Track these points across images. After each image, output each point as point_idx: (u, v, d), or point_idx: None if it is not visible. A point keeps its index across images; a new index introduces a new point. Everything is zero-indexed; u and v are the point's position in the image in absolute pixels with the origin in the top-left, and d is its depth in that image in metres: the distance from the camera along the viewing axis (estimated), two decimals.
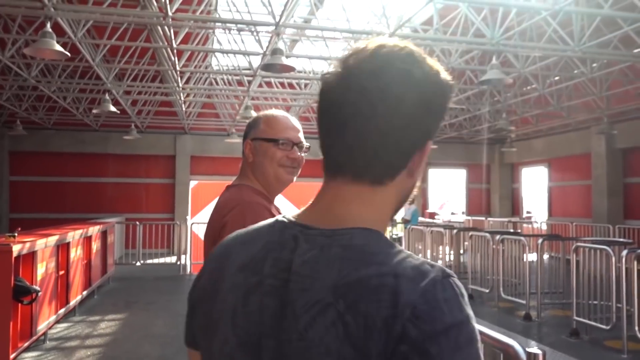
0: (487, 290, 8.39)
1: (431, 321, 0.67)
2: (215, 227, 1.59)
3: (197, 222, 12.46)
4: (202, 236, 13.31)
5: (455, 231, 10.06)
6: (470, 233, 9.13)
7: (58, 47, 6.44)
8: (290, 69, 7.08)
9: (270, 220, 0.86)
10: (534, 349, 1.99)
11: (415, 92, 0.76)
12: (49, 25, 6.37)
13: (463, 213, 18.59)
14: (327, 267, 0.73)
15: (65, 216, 13.64)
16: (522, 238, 8.01)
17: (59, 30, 6.67)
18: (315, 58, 11.07)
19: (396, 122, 0.76)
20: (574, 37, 7.93)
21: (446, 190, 25.31)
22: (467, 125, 15.53)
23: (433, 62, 0.80)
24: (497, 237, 8.28)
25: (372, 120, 0.75)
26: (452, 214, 19.11)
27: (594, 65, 9.89)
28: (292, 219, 0.82)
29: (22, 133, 14.03)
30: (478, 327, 0.72)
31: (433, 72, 0.79)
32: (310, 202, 0.84)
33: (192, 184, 16.56)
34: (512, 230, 11.23)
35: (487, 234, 8.54)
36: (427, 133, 0.80)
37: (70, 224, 9.17)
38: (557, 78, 11.26)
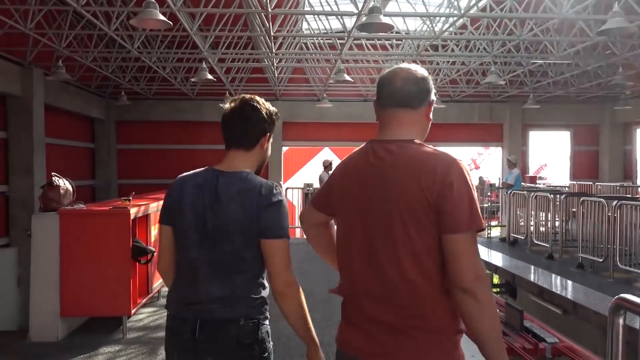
0: (601, 260, 7.77)
1: (270, 195, 1.94)
2: (430, 187, 1.55)
3: (291, 187, 12.62)
4: (293, 200, 13.43)
5: (563, 196, 9.36)
6: (582, 198, 8.45)
7: (161, 17, 6.59)
8: (389, 27, 6.78)
9: (205, 168, 2.04)
10: None
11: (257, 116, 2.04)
12: None
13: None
14: (233, 184, 1.94)
15: (166, 182, 14.19)
16: None
17: (159, 1, 6.81)
18: (410, 16, 10.61)
19: (252, 127, 2.04)
20: None
21: (546, 154, 23.85)
22: (574, 82, 14.30)
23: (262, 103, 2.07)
24: (614, 202, 7.58)
25: (246, 124, 2.03)
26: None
27: None
28: (216, 168, 2.01)
29: (127, 103, 14.83)
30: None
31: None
32: (223, 161, 2.05)
33: (284, 149, 16.80)
34: (628, 196, 10.28)
35: (602, 200, 7.85)
36: (264, 132, 2.06)
37: None
38: None
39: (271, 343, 1.98)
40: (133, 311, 5.38)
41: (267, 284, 2.00)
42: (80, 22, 10.61)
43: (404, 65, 1.75)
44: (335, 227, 1.86)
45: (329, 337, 5.12)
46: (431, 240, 1.54)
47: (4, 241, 10.81)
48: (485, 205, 14.22)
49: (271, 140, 2.12)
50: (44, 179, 10.99)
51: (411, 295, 1.55)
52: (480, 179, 18.32)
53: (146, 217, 6.10)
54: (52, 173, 5.53)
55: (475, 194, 1.58)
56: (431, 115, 1.76)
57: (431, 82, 1.74)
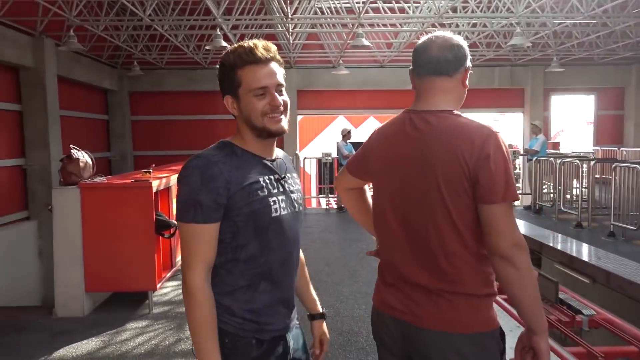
0: (634, 228, 7.53)
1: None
2: (467, 158, 1.60)
3: (308, 157, 12.42)
4: (310, 170, 13.31)
5: (592, 163, 9.06)
6: (615, 164, 8.14)
7: None
8: None
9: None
10: None
11: None
12: None
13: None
14: None
15: (181, 153, 14.23)
16: None
17: None
18: None
19: None
20: None
21: (565, 119, 23.30)
22: (600, 44, 13.74)
23: None
24: None
25: None
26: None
27: None
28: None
29: (139, 73, 14.57)
30: None
31: None
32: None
33: (299, 118, 16.52)
34: None
35: (638, 166, 7.55)
36: None
37: None
38: None
39: None
40: (158, 285, 5.28)
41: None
42: None
43: (439, 32, 1.76)
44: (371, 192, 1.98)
45: (359, 311, 5.01)
46: (467, 209, 1.60)
47: (24, 214, 10.79)
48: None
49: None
50: (60, 151, 10.89)
51: (448, 261, 1.62)
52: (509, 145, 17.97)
53: (167, 189, 5.94)
54: (71, 146, 5.37)
55: (511, 166, 1.61)
56: (467, 83, 1.78)
57: (467, 49, 1.75)
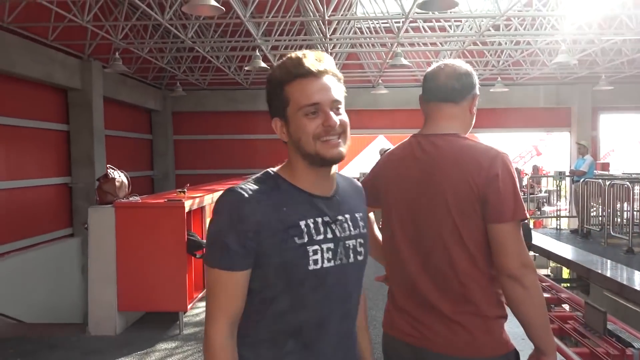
0: None
1: None
2: (475, 179, 1.62)
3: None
4: None
5: None
6: None
7: (213, 2, 6.41)
8: (453, 4, 6.31)
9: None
10: None
11: None
12: None
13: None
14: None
15: (221, 172, 14.43)
16: None
17: None
18: None
19: None
20: None
21: (615, 139, 22.39)
22: None
23: None
24: None
25: None
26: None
27: None
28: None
29: (182, 94, 14.94)
30: None
31: None
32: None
33: None
34: None
35: None
36: None
37: (228, 180, 9.52)
38: None
39: None
40: (189, 306, 5.26)
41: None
42: (136, 13, 10.67)
43: (449, 60, 1.83)
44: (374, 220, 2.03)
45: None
46: (477, 230, 1.62)
47: (69, 231, 11.13)
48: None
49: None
50: (104, 170, 11.22)
51: (461, 283, 1.63)
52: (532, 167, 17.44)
53: (201, 209, 5.97)
54: (107, 165, 5.48)
55: (518, 185, 1.65)
56: (475, 110, 1.82)
57: (475, 77, 1.80)
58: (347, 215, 1.42)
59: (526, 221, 1.64)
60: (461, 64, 1.80)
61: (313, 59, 1.34)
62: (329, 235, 1.36)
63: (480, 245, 1.63)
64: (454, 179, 1.63)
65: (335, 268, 1.35)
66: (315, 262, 1.32)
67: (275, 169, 1.43)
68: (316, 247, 1.33)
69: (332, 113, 1.32)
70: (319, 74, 1.33)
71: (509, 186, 1.60)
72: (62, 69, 10.61)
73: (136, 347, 4.75)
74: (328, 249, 1.34)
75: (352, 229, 1.42)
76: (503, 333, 1.67)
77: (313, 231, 1.33)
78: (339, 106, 1.35)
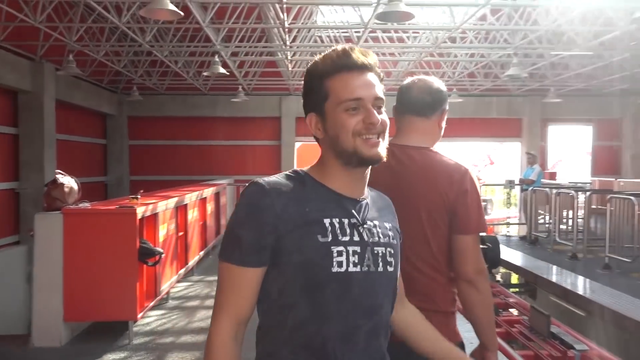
0: (629, 260, 7.41)
1: None
2: (448, 192, 1.78)
3: None
4: None
5: (588, 194, 8.98)
6: (610, 196, 8.06)
7: (172, 7, 6.36)
8: (409, 16, 6.46)
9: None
10: None
11: None
12: None
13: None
14: None
15: (178, 178, 14.20)
16: None
17: None
18: (429, 5, 10.24)
19: None
20: None
21: (563, 149, 23.30)
22: (597, 75, 13.80)
23: None
24: None
25: None
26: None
27: None
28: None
29: (139, 99, 14.67)
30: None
31: None
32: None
33: (297, 145, 16.53)
34: None
35: (632, 198, 7.47)
36: None
37: (185, 186, 9.39)
38: None
39: None
40: (139, 315, 5.16)
41: None
42: (92, 15, 10.43)
43: (423, 76, 1.98)
44: None
45: None
46: (443, 239, 1.80)
47: (14, 239, 10.70)
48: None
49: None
50: (54, 175, 10.87)
51: (427, 286, 1.80)
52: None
53: (154, 216, 5.87)
54: (56, 170, 5.33)
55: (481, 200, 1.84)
56: (443, 124, 1.96)
57: (445, 94, 1.95)
58: (376, 222, 1.31)
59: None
60: (434, 80, 1.95)
61: (359, 53, 1.28)
62: (356, 238, 1.25)
63: (444, 252, 1.81)
64: (427, 192, 1.78)
65: (361, 274, 1.23)
66: (340, 264, 1.20)
67: (305, 169, 1.34)
68: (341, 248, 1.22)
69: (374, 110, 1.25)
70: (364, 69, 1.27)
71: (475, 201, 1.79)
72: (12, 71, 10.24)
73: (82, 359, 4.62)
74: (354, 252, 1.23)
75: (381, 236, 1.30)
76: (455, 326, 1.88)
77: (338, 231, 1.23)
78: (381, 105, 1.28)
